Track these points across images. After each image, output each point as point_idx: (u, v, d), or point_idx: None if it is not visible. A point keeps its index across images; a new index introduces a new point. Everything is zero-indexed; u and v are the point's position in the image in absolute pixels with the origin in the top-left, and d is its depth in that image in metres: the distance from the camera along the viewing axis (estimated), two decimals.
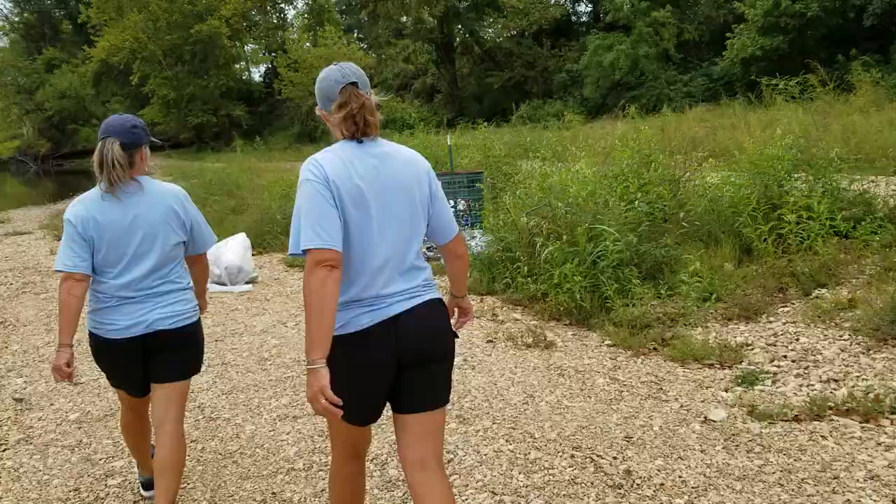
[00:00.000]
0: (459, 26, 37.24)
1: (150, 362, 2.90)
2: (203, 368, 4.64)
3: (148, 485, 3.25)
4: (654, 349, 4.75)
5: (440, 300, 2.32)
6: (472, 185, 7.85)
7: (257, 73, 51.56)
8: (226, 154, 31.16)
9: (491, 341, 5.15)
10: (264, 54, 47.22)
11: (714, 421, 3.62)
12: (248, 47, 47.64)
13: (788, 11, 22.74)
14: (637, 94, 27.70)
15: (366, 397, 2.21)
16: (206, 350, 3.17)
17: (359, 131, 2.19)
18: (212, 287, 7.37)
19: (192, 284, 3.05)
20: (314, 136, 36.24)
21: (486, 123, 19.31)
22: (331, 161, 2.15)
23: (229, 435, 3.92)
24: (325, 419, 2.97)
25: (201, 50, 39.64)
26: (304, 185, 2.13)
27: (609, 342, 4.91)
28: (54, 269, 2.78)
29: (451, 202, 7.78)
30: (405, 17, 36.86)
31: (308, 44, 41.03)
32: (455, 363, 4.38)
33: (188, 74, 40.04)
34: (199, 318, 3.05)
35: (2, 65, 51.34)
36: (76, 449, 3.91)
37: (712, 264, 5.84)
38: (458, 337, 2.38)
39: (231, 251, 7.75)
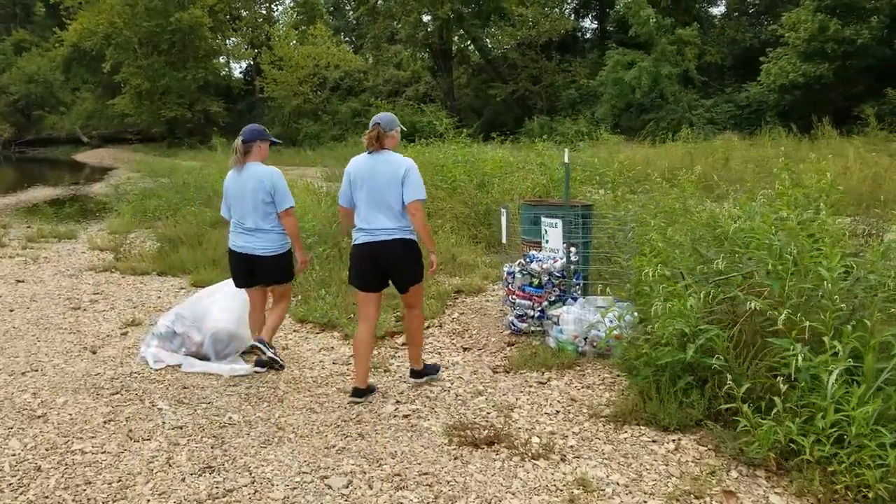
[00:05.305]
0: (461, 32, 34.73)
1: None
2: None
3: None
4: None
5: (405, 239, 4.24)
6: (584, 224, 5.31)
7: (238, 69, 48.81)
8: (202, 152, 28.43)
9: None
10: (247, 49, 44.36)
11: None
12: (231, 41, 44.80)
13: (837, 37, 20.68)
14: (656, 118, 25.46)
15: (361, 276, 4.32)
16: None
17: (370, 148, 4.26)
18: (188, 364, 4.75)
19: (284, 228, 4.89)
20: (296, 140, 33.46)
21: (502, 137, 17.22)
22: (353, 162, 4.36)
23: None
24: None
25: (180, 40, 36.87)
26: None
27: None
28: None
29: (560, 250, 5.23)
30: (400, 22, 34.18)
31: (295, 41, 38.38)
32: None
33: (164, 65, 37.23)
34: (289, 249, 4.92)
35: None
36: None
37: None
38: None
39: (220, 307, 4.95)
